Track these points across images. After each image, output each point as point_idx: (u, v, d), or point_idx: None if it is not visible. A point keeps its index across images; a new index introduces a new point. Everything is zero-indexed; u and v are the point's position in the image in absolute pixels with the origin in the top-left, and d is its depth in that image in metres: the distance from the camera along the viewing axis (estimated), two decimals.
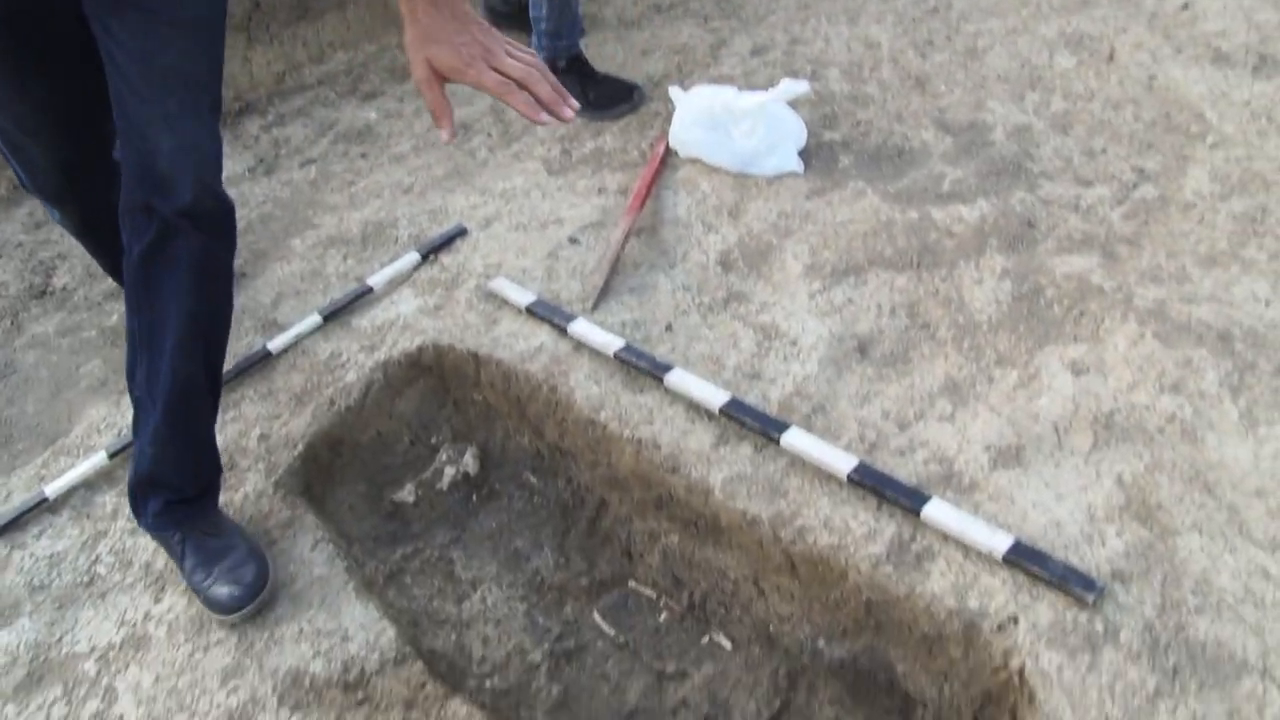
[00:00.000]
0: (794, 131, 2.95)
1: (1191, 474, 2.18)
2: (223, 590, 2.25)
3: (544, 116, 1.48)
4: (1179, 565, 2.03)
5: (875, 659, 2.20)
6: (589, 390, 2.53)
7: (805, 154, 3.21)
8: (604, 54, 4.00)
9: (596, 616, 2.48)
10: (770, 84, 3.29)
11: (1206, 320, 2.52)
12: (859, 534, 2.14)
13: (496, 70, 1.47)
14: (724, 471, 2.30)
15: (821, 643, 2.26)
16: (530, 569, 2.60)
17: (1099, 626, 1.96)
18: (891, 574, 2.07)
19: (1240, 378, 2.37)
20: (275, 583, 2.32)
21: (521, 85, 1.46)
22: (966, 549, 2.09)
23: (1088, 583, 1.99)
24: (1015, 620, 1.97)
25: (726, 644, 2.40)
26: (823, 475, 2.26)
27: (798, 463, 2.29)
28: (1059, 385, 2.40)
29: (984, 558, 2.07)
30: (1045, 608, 1.99)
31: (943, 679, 2.12)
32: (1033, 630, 1.96)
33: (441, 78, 1.46)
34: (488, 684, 2.37)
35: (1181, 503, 2.13)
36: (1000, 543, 2.05)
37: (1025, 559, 2.03)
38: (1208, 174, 2.98)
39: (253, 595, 2.26)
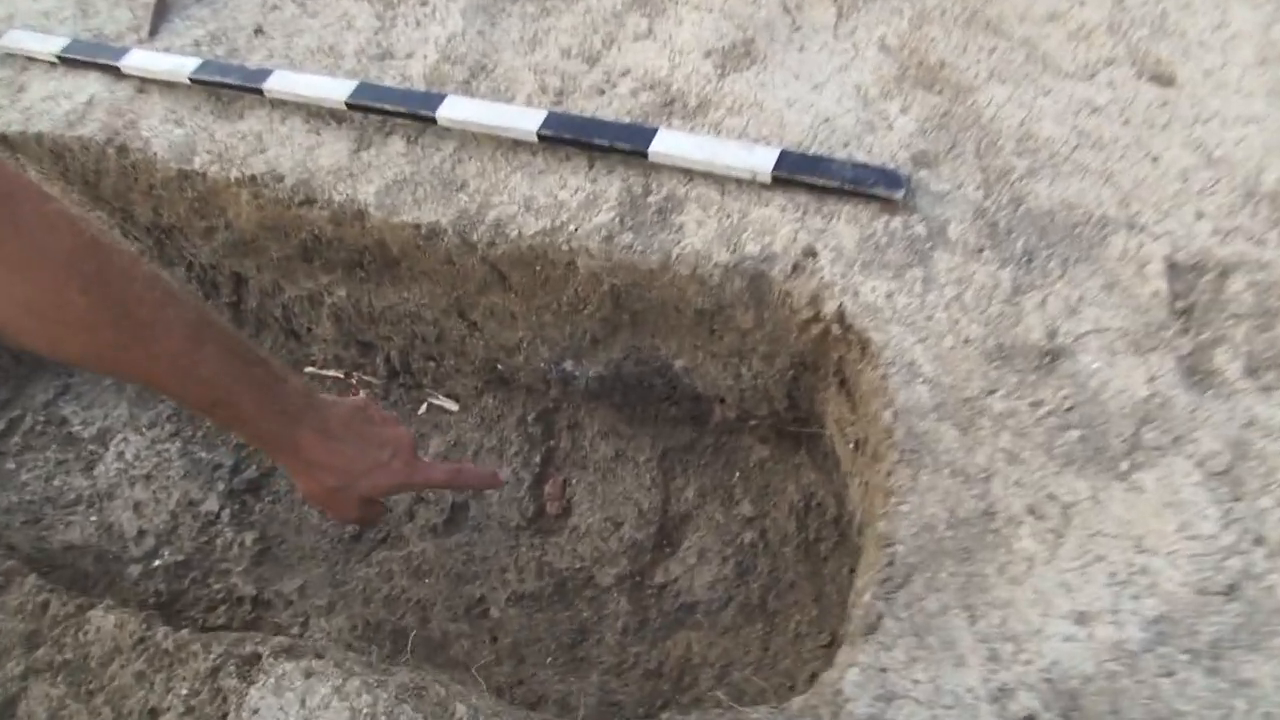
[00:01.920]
0: None
1: (967, 16, 1.54)
2: None
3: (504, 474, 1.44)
4: (989, 127, 1.40)
5: (644, 364, 1.51)
6: (170, 136, 1.66)
7: None
8: None
9: None
10: None
11: None
12: (575, 205, 1.41)
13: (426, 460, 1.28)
14: (375, 182, 1.51)
15: (568, 365, 1.55)
16: None
17: (919, 229, 1.32)
18: (633, 244, 1.36)
19: None
20: None
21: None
22: (721, 183, 1.40)
23: (888, 178, 1.34)
24: (813, 253, 1.31)
25: (450, 405, 1.67)
26: (507, 147, 1.50)
27: (469, 141, 1.52)
28: None
29: (748, 187, 1.39)
30: (845, 226, 1.34)
31: (738, 361, 1.45)
32: (839, 259, 1.30)
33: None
34: (157, 563, 1.57)
35: (966, 53, 1.49)
36: (763, 159, 1.37)
37: (800, 170, 1.36)
38: None
39: None
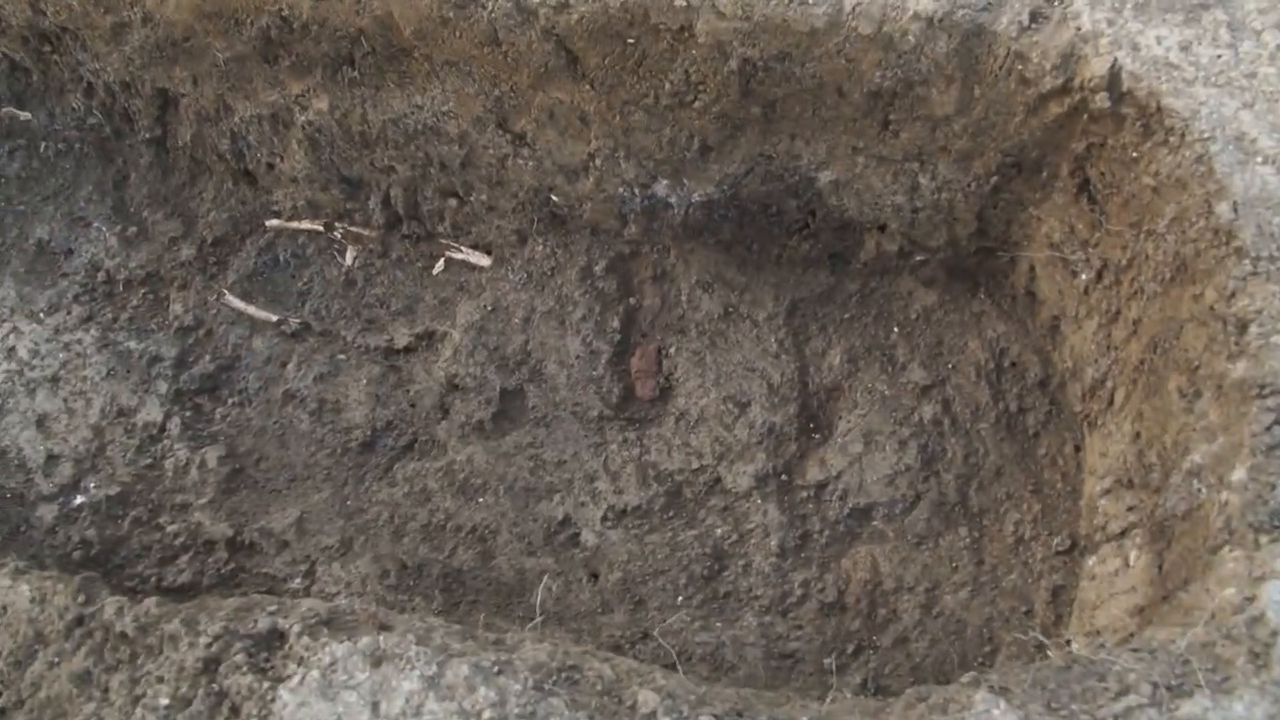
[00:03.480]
0: None
1: None
2: None
3: None
4: None
5: (775, 179, 1.08)
6: None
7: None
8: None
9: (232, 299, 1.23)
10: None
11: None
12: None
13: None
14: None
15: (662, 187, 1.11)
16: (80, 265, 1.30)
17: None
18: None
19: None
20: None
21: None
22: None
23: None
24: None
25: (480, 259, 1.22)
26: None
27: None
28: None
29: None
30: None
31: (917, 167, 1.03)
32: (1099, 1, 0.88)
33: None
34: (80, 500, 1.12)
35: None
36: None
37: None
38: None
39: None
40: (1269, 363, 0.81)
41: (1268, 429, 0.79)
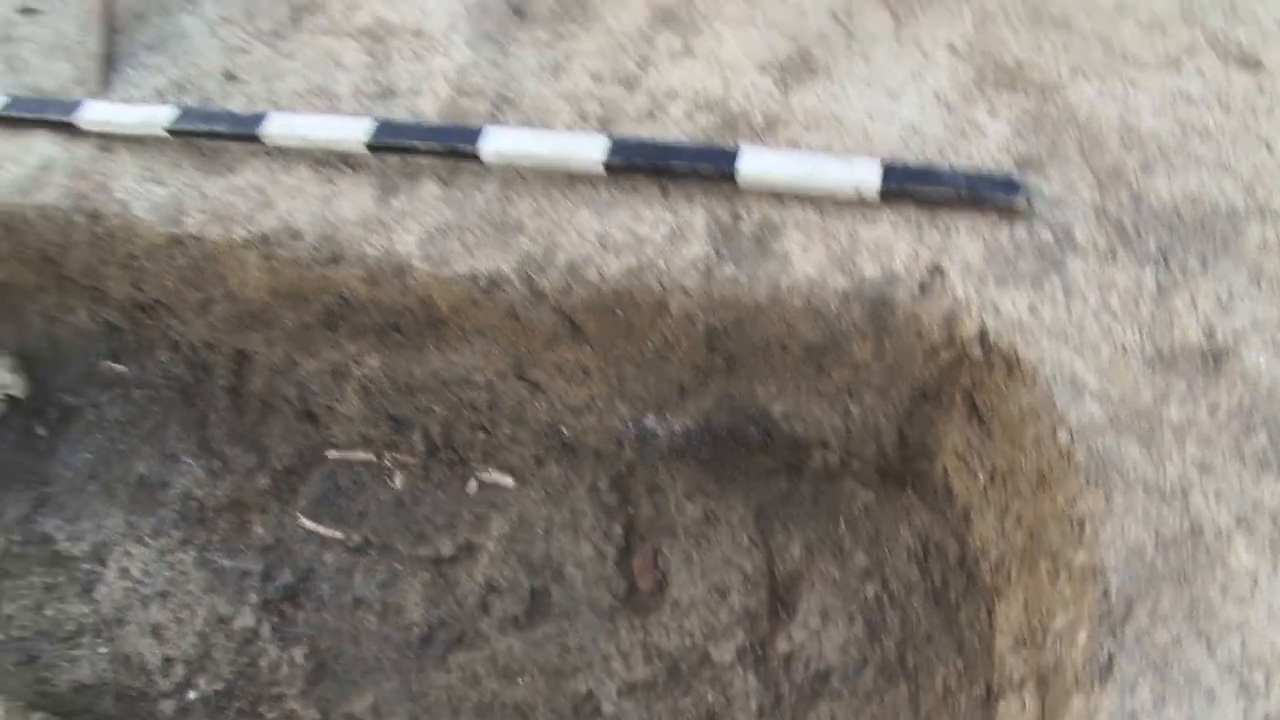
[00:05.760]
0: None
1: (1031, 15, 1.51)
2: None
3: None
4: (1087, 125, 1.39)
5: (737, 411, 1.42)
6: (152, 197, 1.53)
7: None
8: None
9: (304, 521, 1.56)
10: None
11: None
12: (659, 240, 1.34)
13: None
14: (414, 232, 1.41)
15: (650, 420, 1.45)
16: (175, 495, 1.61)
17: (1046, 236, 1.30)
18: (736, 277, 1.28)
19: None
20: None
21: None
22: (818, 203, 1.35)
23: (1006, 184, 1.31)
24: (939, 271, 1.26)
25: (506, 480, 1.55)
26: (560, 181, 1.43)
27: (514, 178, 1.44)
28: None
29: (849, 205, 1.34)
30: (967, 239, 1.30)
31: (848, 398, 1.38)
32: (969, 274, 1.26)
33: None
34: (193, 695, 1.43)
35: (1041, 51, 1.48)
36: (867, 174, 1.32)
37: (910, 182, 1.33)
38: None
39: None
40: (1098, 553, 1.14)
41: (1098, 603, 1.12)
